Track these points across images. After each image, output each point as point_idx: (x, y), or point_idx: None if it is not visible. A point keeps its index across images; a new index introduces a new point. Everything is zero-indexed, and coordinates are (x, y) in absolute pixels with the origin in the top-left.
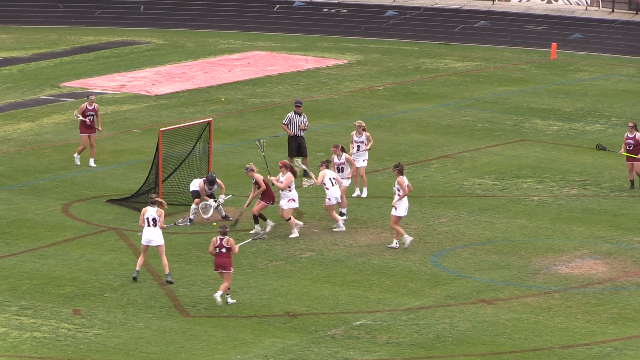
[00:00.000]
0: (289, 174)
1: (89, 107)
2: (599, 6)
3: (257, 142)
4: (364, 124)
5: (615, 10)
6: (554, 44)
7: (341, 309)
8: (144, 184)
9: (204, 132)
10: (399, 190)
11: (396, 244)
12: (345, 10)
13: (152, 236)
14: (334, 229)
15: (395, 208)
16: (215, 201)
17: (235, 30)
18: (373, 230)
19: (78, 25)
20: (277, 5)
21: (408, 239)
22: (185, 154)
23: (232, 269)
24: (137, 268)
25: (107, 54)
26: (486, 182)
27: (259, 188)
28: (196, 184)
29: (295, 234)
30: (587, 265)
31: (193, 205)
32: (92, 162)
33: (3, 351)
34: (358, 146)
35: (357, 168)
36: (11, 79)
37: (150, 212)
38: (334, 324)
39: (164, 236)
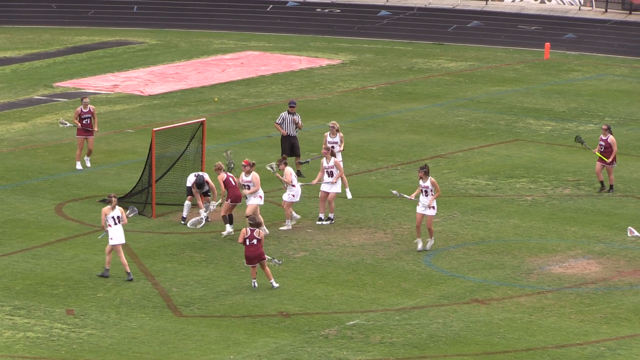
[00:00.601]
0: (255, 173)
1: (84, 110)
2: (592, 6)
3: (224, 154)
4: (337, 125)
5: (608, 10)
6: (547, 44)
7: (334, 309)
8: (137, 184)
9: (197, 132)
10: (431, 190)
11: (422, 246)
12: (338, 10)
13: (121, 233)
14: (280, 228)
15: (434, 208)
16: (206, 210)
17: (228, 31)
18: (366, 230)
19: (71, 25)
20: (271, 5)
21: (430, 243)
22: (179, 154)
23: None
24: (127, 270)
25: (100, 54)
26: (479, 182)
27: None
28: (191, 180)
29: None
30: (581, 265)
31: (186, 202)
32: (87, 162)
33: None
34: (332, 147)
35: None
36: (4, 79)
37: (114, 210)
38: (327, 324)
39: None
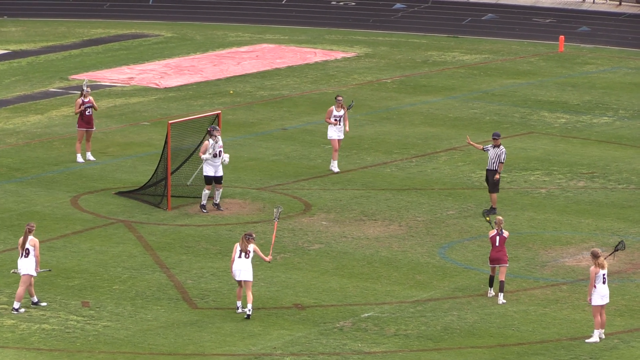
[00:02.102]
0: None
1: (84, 100)
2: None
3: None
4: (343, 100)
5: (622, 3)
6: (561, 37)
7: (349, 301)
8: (152, 176)
9: (213, 124)
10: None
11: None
12: (353, 3)
13: (28, 265)
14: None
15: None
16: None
17: (244, 23)
18: (381, 222)
19: (87, 18)
20: None
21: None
22: (194, 147)
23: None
24: (18, 300)
25: (116, 46)
26: None
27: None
28: (208, 169)
29: None
30: None
31: (205, 191)
32: (89, 155)
33: (12, 343)
34: (337, 120)
35: (338, 141)
36: (20, 72)
37: (26, 242)
38: (342, 316)
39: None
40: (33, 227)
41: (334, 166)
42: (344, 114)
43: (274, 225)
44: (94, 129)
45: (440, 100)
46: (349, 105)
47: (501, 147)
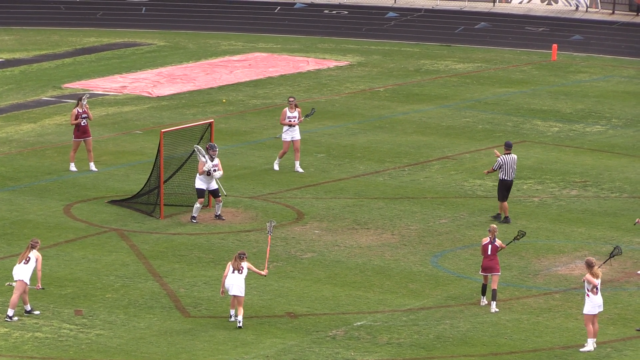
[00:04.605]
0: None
1: (80, 111)
2: (598, 7)
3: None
4: (296, 100)
5: (615, 11)
6: (554, 46)
7: (342, 310)
8: (145, 185)
9: (205, 133)
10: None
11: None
12: (346, 12)
13: (23, 272)
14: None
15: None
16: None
17: (236, 32)
18: (374, 231)
19: (80, 26)
20: (278, 7)
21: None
22: (187, 155)
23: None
24: (12, 307)
25: (108, 55)
26: (487, 183)
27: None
28: (200, 182)
29: None
30: None
31: (197, 204)
32: (92, 166)
33: (5, 351)
34: (292, 120)
35: (291, 142)
36: (13, 80)
37: (32, 253)
38: (334, 325)
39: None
40: (37, 243)
41: (276, 164)
42: (298, 114)
43: (268, 239)
44: (91, 137)
45: (433, 108)
46: (309, 114)
47: (511, 155)
